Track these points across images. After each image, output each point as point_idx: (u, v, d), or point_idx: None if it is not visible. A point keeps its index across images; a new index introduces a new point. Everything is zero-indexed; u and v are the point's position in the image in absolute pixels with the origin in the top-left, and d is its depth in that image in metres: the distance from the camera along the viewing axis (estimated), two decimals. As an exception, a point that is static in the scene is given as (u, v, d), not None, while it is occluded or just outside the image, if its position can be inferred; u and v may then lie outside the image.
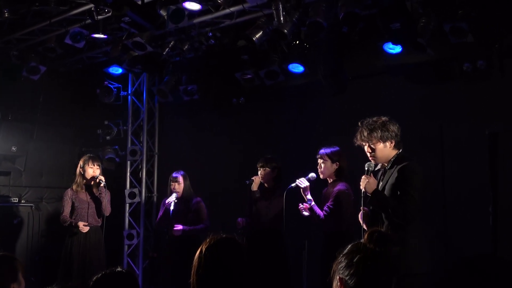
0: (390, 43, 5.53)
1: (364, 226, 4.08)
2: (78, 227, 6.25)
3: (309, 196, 5.24)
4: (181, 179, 6.56)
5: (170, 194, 6.51)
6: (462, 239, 5.50)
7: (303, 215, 5.26)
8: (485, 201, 5.35)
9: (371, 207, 4.14)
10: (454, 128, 5.75)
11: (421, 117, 5.90)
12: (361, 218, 4.15)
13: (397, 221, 3.89)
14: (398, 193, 3.93)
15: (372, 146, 4.10)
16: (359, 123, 4.19)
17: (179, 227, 6.36)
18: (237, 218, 5.99)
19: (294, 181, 5.29)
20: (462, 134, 5.67)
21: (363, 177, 4.03)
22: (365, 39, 5.88)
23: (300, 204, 5.25)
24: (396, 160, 4.07)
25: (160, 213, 6.68)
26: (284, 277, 5.77)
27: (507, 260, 5.17)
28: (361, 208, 4.12)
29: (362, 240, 2.03)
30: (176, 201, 6.44)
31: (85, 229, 6.28)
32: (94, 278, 2.54)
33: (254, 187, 5.96)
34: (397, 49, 5.60)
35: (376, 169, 4.23)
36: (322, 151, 5.31)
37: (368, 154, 4.15)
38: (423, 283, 3.92)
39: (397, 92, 6.10)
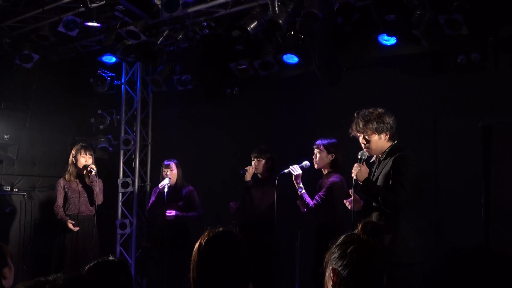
0: (385, 34, 5.52)
1: (353, 207, 4.10)
2: (67, 225, 6.27)
3: (300, 184, 5.26)
4: (173, 166, 6.56)
5: (163, 180, 6.52)
6: (454, 230, 5.54)
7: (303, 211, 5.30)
8: (477, 193, 5.38)
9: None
10: (448, 120, 5.76)
11: (415, 109, 5.91)
12: (348, 203, 4.19)
13: (386, 210, 3.91)
14: (390, 182, 3.95)
15: (367, 137, 4.11)
16: (355, 114, 4.19)
17: (172, 212, 6.36)
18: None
19: (287, 167, 5.31)
20: (455, 126, 5.69)
21: (355, 165, 4.04)
22: (359, 30, 5.87)
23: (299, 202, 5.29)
24: (390, 151, 4.09)
25: (152, 199, 6.68)
26: (276, 267, 5.79)
27: (498, 252, 5.21)
28: (351, 192, 4.15)
29: (355, 231, 2.04)
30: (169, 185, 6.44)
31: (75, 229, 6.29)
32: (87, 267, 2.54)
33: (248, 177, 5.99)
34: (391, 40, 5.60)
35: (370, 161, 4.24)
36: (319, 141, 5.33)
37: (363, 145, 4.15)
38: (414, 273, 3.95)
39: (391, 84, 6.10)
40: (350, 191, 4.19)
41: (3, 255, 2.80)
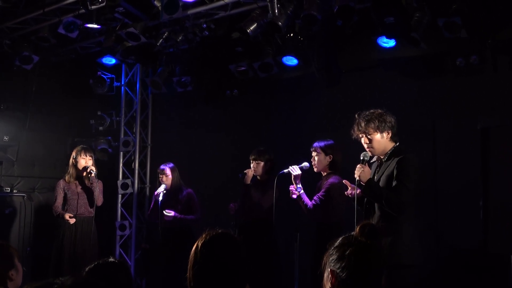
0: (384, 37, 5.53)
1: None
2: (65, 218, 6.27)
3: (299, 185, 5.27)
4: (168, 171, 6.57)
5: (159, 186, 6.54)
6: (453, 232, 5.55)
7: (292, 197, 5.29)
8: (476, 195, 5.40)
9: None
10: (447, 122, 5.78)
11: (414, 111, 5.93)
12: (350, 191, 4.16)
13: (389, 211, 3.91)
14: (393, 183, 3.95)
15: (369, 137, 4.11)
16: (356, 115, 4.20)
17: (171, 212, 6.37)
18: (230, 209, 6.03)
19: (287, 167, 5.32)
20: (454, 128, 5.71)
21: (358, 166, 4.04)
22: (359, 32, 5.89)
23: (292, 186, 5.28)
24: (393, 153, 4.09)
25: (151, 205, 6.72)
26: (276, 267, 5.80)
27: (496, 254, 5.22)
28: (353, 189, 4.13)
29: (353, 233, 2.05)
30: (165, 192, 6.46)
31: (72, 220, 6.30)
32: (87, 268, 2.55)
33: (247, 180, 5.95)
34: (390, 43, 5.62)
35: (372, 161, 4.25)
36: (316, 144, 5.33)
37: (365, 146, 4.15)
38: (414, 275, 3.96)
39: (390, 86, 6.12)
40: (344, 181, 4.17)
41: (9, 257, 2.81)
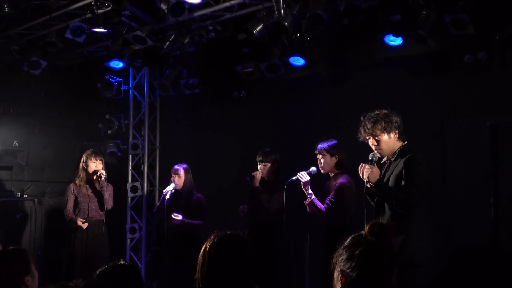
0: (391, 35, 5.51)
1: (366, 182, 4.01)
2: (77, 223, 6.30)
3: (309, 190, 5.25)
4: (182, 172, 6.59)
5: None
6: (463, 231, 5.51)
7: (309, 211, 5.29)
8: (486, 192, 5.36)
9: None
10: (455, 119, 5.75)
11: (422, 109, 5.90)
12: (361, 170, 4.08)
13: (399, 211, 3.89)
14: (402, 183, 3.94)
15: (376, 138, 4.09)
16: (361, 118, 4.18)
17: (179, 216, 6.38)
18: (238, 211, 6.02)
19: (295, 174, 5.29)
20: (463, 126, 5.67)
21: (366, 166, 4.02)
22: (365, 31, 5.87)
23: (305, 201, 5.27)
24: (401, 152, 4.07)
25: (158, 203, 6.73)
26: (281, 268, 5.78)
27: (508, 252, 5.19)
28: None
29: (362, 232, 2.04)
30: (173, 191, 6.47)
31: (84, 225, 6.33)
32: (98, 271, 2.56)
33: (256, 183, 5.93)
34: (397, 41, 5.59)
35: (382, 161, 4.23)
36: (319, 146, 5.31)
37: (373, 148, 4.13)
38: (424, 274, 3.94)
39: (398, 84, 6.09)
40: (362, 164, 4.09)
41: (26, 262, 2.83)
